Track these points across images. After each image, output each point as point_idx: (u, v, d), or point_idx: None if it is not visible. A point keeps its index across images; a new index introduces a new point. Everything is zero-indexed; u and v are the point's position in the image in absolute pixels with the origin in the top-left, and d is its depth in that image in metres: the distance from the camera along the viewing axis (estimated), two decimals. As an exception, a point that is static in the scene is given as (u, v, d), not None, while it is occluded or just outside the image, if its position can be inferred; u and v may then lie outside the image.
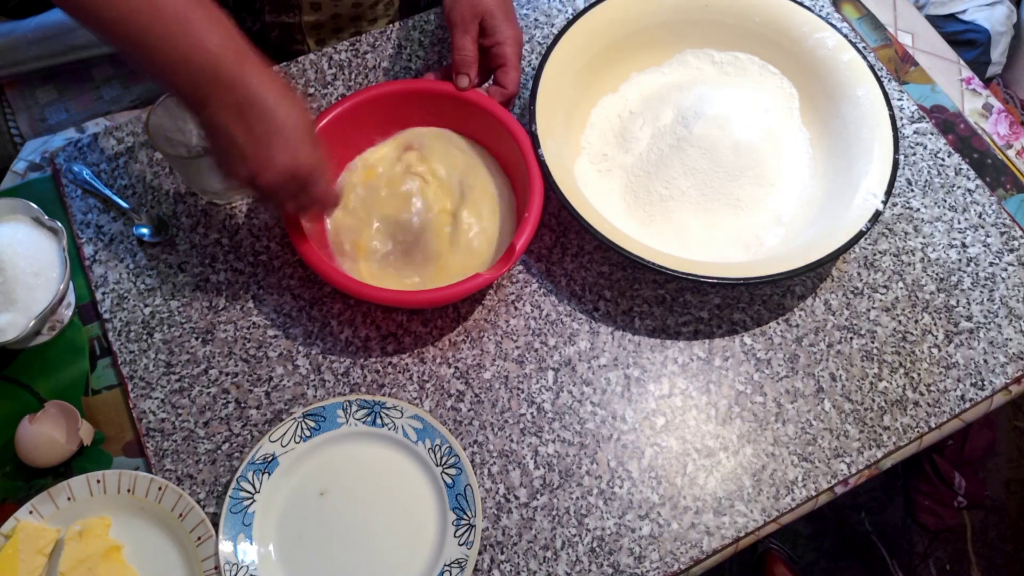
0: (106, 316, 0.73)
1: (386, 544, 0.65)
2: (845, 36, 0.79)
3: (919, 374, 0.73)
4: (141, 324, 0.72)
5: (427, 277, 0.72)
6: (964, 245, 0.79)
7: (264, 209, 0.78)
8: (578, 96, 0.79)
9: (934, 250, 0.78)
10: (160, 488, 0.64)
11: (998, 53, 1.42)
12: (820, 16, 0.81)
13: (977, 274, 0.77)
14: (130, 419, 0.69)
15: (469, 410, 0.70)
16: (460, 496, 0.65)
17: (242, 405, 0.69)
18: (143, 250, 0.76)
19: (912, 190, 0.81)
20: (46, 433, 0.65)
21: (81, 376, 0.71)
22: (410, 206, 0.74)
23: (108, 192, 0.77)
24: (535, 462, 0.68)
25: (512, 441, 0.69)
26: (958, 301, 0.76)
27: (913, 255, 0.78)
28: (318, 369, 0.71)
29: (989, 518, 1.50)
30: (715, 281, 0.67)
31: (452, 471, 0.66)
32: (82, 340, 0.72)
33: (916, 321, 0.75)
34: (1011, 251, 0.79)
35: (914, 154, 0.83)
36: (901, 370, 0.73)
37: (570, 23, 0.78)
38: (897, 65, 0.89)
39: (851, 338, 0.74)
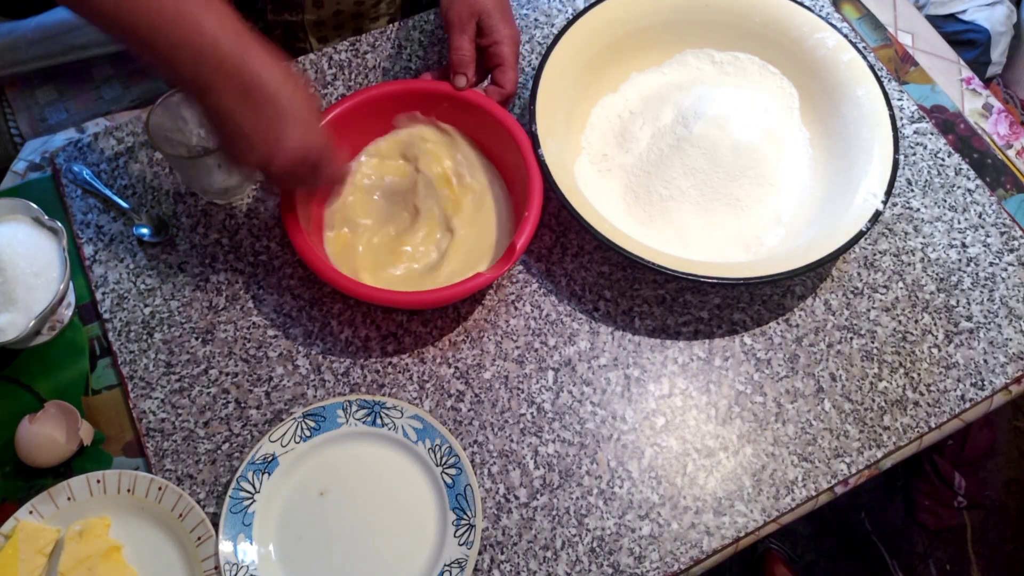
0: (106, 316, 0.73)
1: (386, 544, 0.65)
2: (845, 36, 0.79)
3: (919, 374, 0.73)
4: (141, 324, 0.72)
5: (427, 277, 0.72)
6: (964, 245, 0.79)
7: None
8: (578, 96, 0.79)
9: (934, 250, 0.78)
10: (160, 488, 0.64)
11: (998, 53, 1.42)
12: (820, 16, 0.81)
13: (977, 274, 0.77)
14: (130, 419, 0.69)
15: (469, 410, 0.70)
16: (460, 496, 0.65)
17: (242, 405, 0.69)
18: (143, 250, 0.76)
19: (912, 190, 0.81)
20: (46, 433, 0.65)
21: (81, 376, 0.71)
22: (409, 206, 0.74)
23: (108, 192, 0.77)
24: (535, 462, 0.68)
25: (512, 441, 0.69)
26: (958, 301, 0.76)
27: (913, 255, 0.78)
28: (318, 369, 0.71)
29: (989, 518, 1.50)
30: (715, 281, 0.67)
31: (452, 471, 0.66)
32: (82, 340, 0.72)
33: (916, 321, 0.75)
34: (1011, 251, 0.79)
35: (914, 154, 0.83)
36: (901, 370, 0.73)
37: (570, 23, 0.78)
38: (897, 65, 0.89)
39: (851, 338, 0.74)
